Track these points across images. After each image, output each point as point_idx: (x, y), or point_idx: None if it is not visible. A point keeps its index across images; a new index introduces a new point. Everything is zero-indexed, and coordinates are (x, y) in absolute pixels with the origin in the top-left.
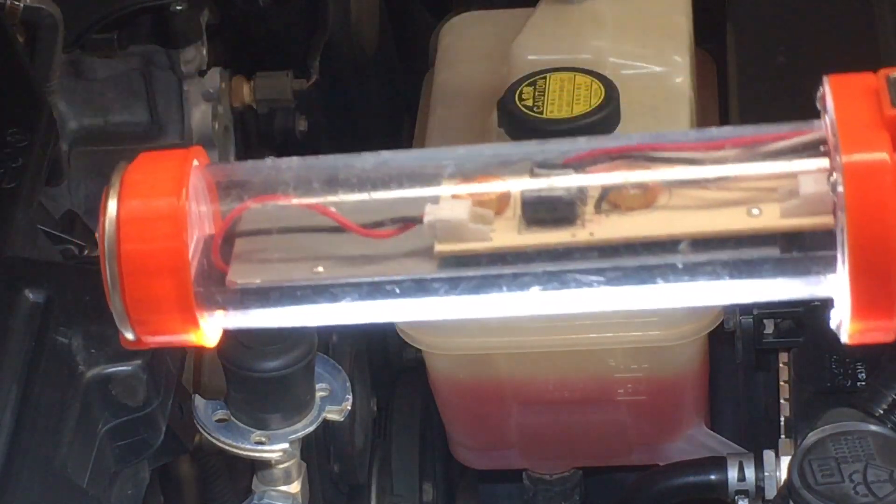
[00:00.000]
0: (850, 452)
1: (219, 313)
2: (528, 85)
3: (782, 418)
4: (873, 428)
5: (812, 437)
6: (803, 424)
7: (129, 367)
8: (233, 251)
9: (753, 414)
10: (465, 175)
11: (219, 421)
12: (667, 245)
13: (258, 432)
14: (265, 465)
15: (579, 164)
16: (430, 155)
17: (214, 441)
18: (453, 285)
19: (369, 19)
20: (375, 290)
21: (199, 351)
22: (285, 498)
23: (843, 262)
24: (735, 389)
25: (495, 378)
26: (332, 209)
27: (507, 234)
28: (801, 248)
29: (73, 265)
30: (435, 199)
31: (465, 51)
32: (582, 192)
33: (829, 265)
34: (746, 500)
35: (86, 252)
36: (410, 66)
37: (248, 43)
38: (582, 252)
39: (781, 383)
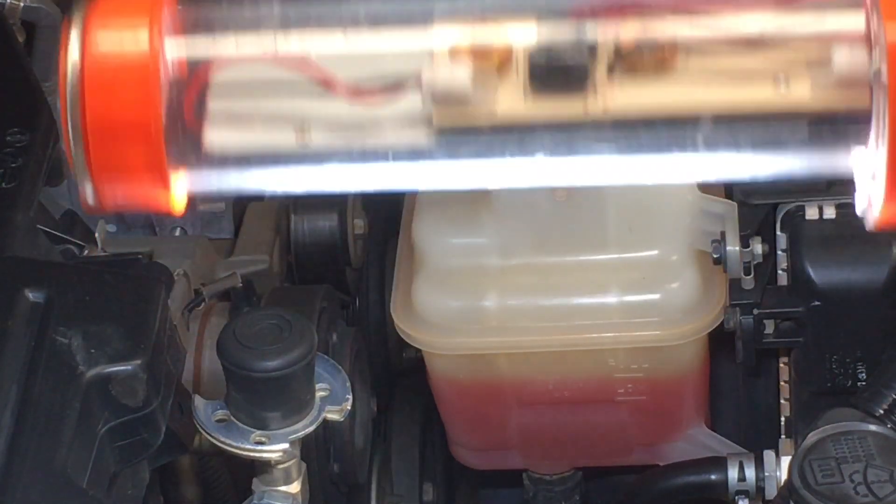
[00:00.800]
0: (851, 452)
1: (189, 175)
2: None
3: (782, 418)
4: (873, 428)
5: (812, 437)
6: (803, 424)
7: (129, 367)
8: (207, 109)
9: (753, 414)
10: (463, 20)
11: (219, 421)
12: (687, 121)
13: (258, 432)
14: (265, 465)
15: (590, 15)
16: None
17: (214, 441)
18: (452, 154)
19: None
20: (366, 158)
21: (199, 351)
22: (285, 498)
23: (880, 142)
24: (735, 389)
25: (495, 378)
26: (316, 64)
27: (513, 101)
28: (831, 125)
29: (73, 265)
30: (430, 53)
31: None
32: (594, 50)
33: (860, 143)
34: (747, 501)
35: (86, 252)
36: None
37: None
38: (594, 125)
39: (782, 383)
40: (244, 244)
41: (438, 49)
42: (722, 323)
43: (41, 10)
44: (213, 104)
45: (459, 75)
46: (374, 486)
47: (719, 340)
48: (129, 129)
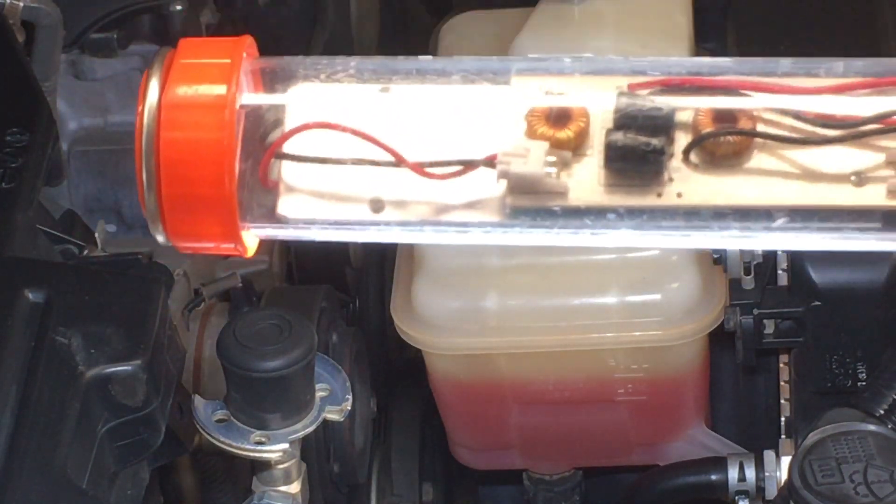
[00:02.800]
0: (851, 452)
1: (261, 231)
2: None
3: (783, 418)
4: (873, 428)
5: (812, 437)
6: (804, 424)
7: (129, 367)
8: (280, 175)
9: (753, 414)
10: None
11: (219, 421)
12: (761, 215)
13: (258, 432)
14: (265, 465)
15: (667, 91)
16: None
17: (214, 441)
18: (525, 235)
19: (369, 19)
20: (438, 232)
21: (199, 351)
22: (285, 498)
23: None
24: (735, 389)
25: (495, 378)
26: (387, 141)
27: (587, 189)
28: None
29: (73, 265)
30: (506, 132)
31: (464, 51)
32: (671, 132)
33: None
34: (747, 501)
35: (86, 252)
36: None
37: None
38: (668, 215)
39: (782, 383)
40: None
41: (513, 118)
42: (722, 323)
43: (41, 10)
44: (286, 168)
45: (534, 161)
46: (374, 486)
47: (719, 340)
48: (205, 203)
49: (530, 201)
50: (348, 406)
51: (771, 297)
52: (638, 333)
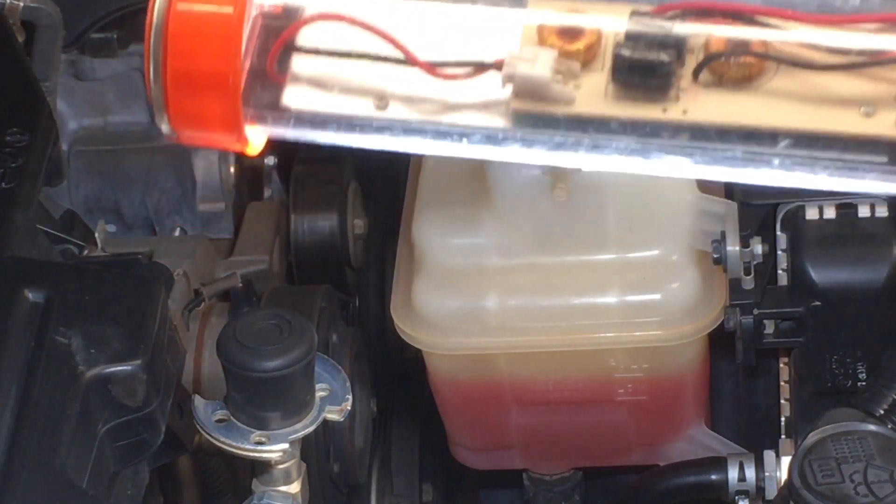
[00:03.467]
0: (851, 452)
1: (265, 126)
2: None
3: (783, 418)
4: (874, 428)
5: (812, 437)
6: (804, 424)
7: (129, 367)
8: (289, 66)
9: (753, 414)
10: (555, 3)
11: (219, 421)
12: (765, 138)
13: (258, 432)
14: (265, 465)
15: (683, 15)
16: None
17: (214, 441)
18: (527, 144)
19: None
20: (440, 136)
21: (199, 351)
22: (285, 498)
23: None
24: (735, 389)
25: (495, 378)
26: (399, 39)
27: (593, 99)
28: None
29: (73, 265)
30: (516, 36)
31: None
32: (682, 52)
33: None
34: (747, 501)
35: (86, 252)
36: None
37: None
38: (671, 130)
39: (782, 383)
40: (244, 244)
41: (525, 32)
42: (722, 323)
43: (41, 10)
44: (296, 61)
45: (541, 65)
46: (374, 486)
47: (719, 340)
48: (208, 79)
49: (534, 106)
50: (348, 406)
51: (771, 297)
52: (638, 333)
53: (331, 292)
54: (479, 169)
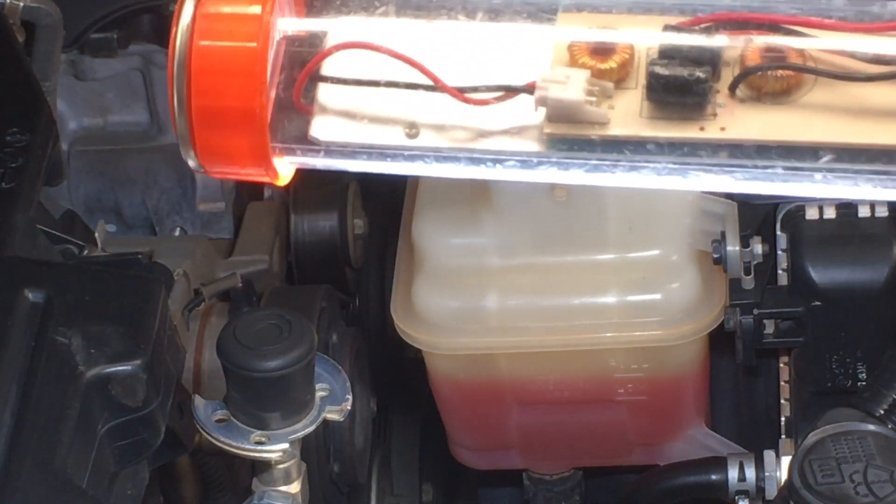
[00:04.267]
0: (851, 452)
1: (294, 157)
2: None
3: (783, 418)
4: (873, 428)
5: (812, 437)
6: (804, 424)
7: (129, 367)
8: (315, 97)
9: (753, 414)
10: (586, 23)
11: (219, 421)
12: (806, 153)
13: (258, 432)
14: (265, 465)
15: (715, 27)
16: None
17: (214, 441)
18: (563, 167)
19: None
20: (474, 162)
21: (199, 351)
22: (285, 498)
23: None
24: (735, 389)
25: (495, 378)
26: (427, 65)
27: (628, 119)
28: None
29: (73, 265)
30: (547, 57)
31: None
32: (717, 67)
33: None
34: (747, 501)
35: (86, 252)
36: None
37: None
38: (710, 149)
39: (782, 383)
40: (244, 244)
41: (556, 51)
42: (722, 323)
43: (41, 10)
44: (322, 91)
45: (574, 87)
46: (374, 486)
47: (719, 340)
48: (234, 115)
49: (568, 129)
50: (348, 406)
51: (771, 297)
52: (638, 333)
53: (331, 292)
54: None
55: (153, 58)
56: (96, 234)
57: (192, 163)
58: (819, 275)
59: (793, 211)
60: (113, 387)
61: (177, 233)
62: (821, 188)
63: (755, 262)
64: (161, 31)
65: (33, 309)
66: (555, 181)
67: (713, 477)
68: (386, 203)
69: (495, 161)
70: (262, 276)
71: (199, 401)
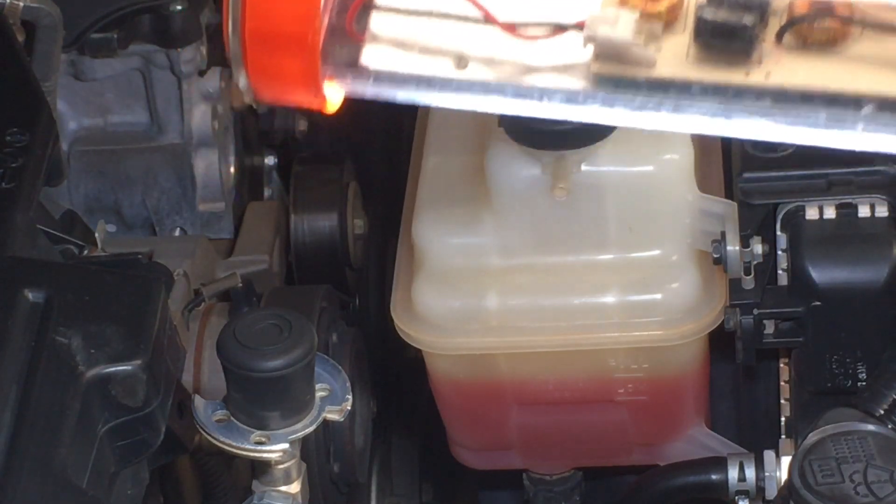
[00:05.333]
0: (851, 453)
1: (344, 84)
2: None
3: (783, 418)
4: (873, 428)
5: (812, 437)
6: (804, 424)
7: (129, 367)
8: (368, 25)
9: (753, 414)
10: None
11: (219, 421)
12: (849, 102)
13: (258, 432)
14: (265, 465)
15: None
16: None
17: (214, 441)
18: (608, 104)
19: None
20: (520, 95)
21: (199, 351)
22: (285, 498)
23: None
24: (735, 389)
25: (495, 378)
26: (480, 0)
27: (674, 62)
28: None
29: (73, 265)
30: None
31: None
32: (765, 15)
33: None
34: (747, 501)
35: (86, 252)
36: None
37: None
38: (754, 94)
39: (782, 383)
40: (244, 244)
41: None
42: (722, 323)
43: (41, 10)
44: (374, 19)
45: (622, 27)
46: (374, 486)
47: (719, 340)
48: (287, 39)
49: (615, 69)
50: (348, 406)
51: (771, 297)
52: (638, 333)
53: (331, 292)
54: (479, 169)
55: (153, 58)
56: (96, 234)
57: (242, 83)
58: (819, 275)
59: (793, 211)
60: (113, 387)
61: (177, 233)
62: (861, 138)
63: (755, 262)
64: (161, 31)
65: (33, 309)
66: (599, 120)
67: (713, 477)
68: (386, 203)
69: (542, 95)
70: (262, 277)
71: (199, 401)
